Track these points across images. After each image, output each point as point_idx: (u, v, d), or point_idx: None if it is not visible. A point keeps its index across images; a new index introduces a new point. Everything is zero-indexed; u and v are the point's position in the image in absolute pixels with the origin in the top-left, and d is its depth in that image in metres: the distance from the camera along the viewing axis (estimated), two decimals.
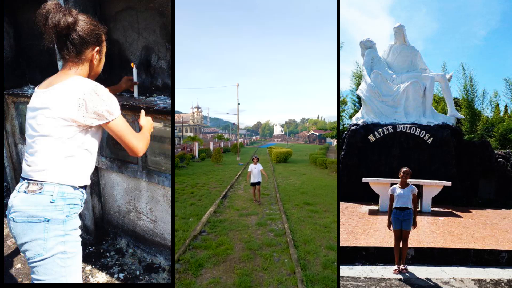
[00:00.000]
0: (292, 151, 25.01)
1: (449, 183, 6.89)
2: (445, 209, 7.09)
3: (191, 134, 53.68)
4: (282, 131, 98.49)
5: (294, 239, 4.99)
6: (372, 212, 6.52)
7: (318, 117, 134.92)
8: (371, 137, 8.41)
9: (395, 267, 3.80)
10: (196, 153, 24.20)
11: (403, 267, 3.80)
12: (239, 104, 29.22)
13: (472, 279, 3.62)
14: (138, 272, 3.66)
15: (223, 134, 60.56)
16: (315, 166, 18.56)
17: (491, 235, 4.91)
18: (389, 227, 3.88)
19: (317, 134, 74.20)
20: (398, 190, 3.86)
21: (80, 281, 1.96)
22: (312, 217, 6.44)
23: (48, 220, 1.78)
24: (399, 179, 3.93)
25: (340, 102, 15.62)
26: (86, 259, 3.82)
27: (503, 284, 3.53)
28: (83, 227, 4.19)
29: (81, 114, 1.81)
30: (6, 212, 1.86)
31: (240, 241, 4.85)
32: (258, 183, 7.96)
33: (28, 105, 1.93)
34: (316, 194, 9.21)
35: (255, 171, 7.87)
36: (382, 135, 8.37)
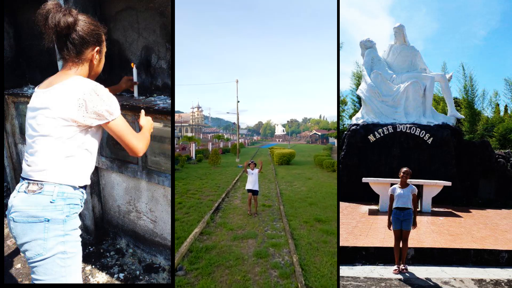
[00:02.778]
0: (295, 152, 22.99)
1: (449, 183, 6.89)
2: (445, 209, 7.09)
3: (192, 134, 53.65)
4: (283, 131, 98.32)
5: (308, 284, 3.58)
6: (372, 212, 6.52)
7: (320, 116, 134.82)
8: (371, 137, 8.41)
9: (395, 267, 3.80)
10: (193, 154, 22.72)
11: (403, 267, 3.80)
12: (238, 101, 27.34)
13: (472, 279, 3.62)
14: (138, 272, 3.66)
15: (224, 134, 60.46)
16: (321, 168, 17.03)
17: (491, 235, 4.91)
18: (389, 227, 3.88)
19: (319, 134, 74.14)
20: (398, 190, 3.86)
21: (80, 281, 1.96)
22: (328, 243, 4.93)
23: (48, 220, 1.78)
24: (399, 179, 3.93)
25: (340, 102, 15.62)
26: (86, 259, 3.82)
27: (503, 284, 3.53)
28: (83, 227, 4.19)
29: (81, 114, 1.81)
30: (6, 212, 1.86)
31: None
32: (256, 192, 6.95)
33: (28, 105, 1.93)
34: (327, 206, 7.67)
35: (252, 177, 6.95)
36: (382, 135, 8.37)
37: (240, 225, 5.95)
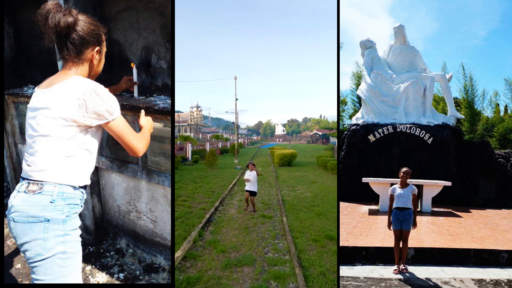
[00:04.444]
0: (296, 152, 21.73)
1: (449, 183, 6.89)
2: (445, 209, 7.09)
3: (191, 134, 53.58)
4: (284, 131, 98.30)
5: None
6: (372, 212, 6.52)
7: (321, 116, 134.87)
8: (371, 137, 8.41)
9: (395, 267, 3.81)
10: (189, 154, 21.40)
11: (403, 267, 3.80)
12: (237, 99, 25.85)
13: (472, 279, 3.62)
14: (138, 272, 3.67)
15: (223, 134, 60.34)
16: (324, 170, 15.86)
17: (491, 235, 4.91)
18: (389, 227, 3.88)
19: (320, 133, 74.15)
20: (398, 190, 3.87)
21: (80, 281, 1.96)
22: None
23: (48, 220, 1.78)
24: (399, 179, 3.93)
25: (340, 102, 15.62)
26: (86, 259, 3.82)
27: (503, 284, 3.53)
28: (83, 227, 4.19)
29: (81, 114, 1.81)
30: (6, 212, 1.86)
31: None
32: (253, 193, 6.92)
33: (28, 105, 1.93)
34: None
35: (251, 178, 6.93)
36: (382, 135, 8.38)
37: (234, 244, 4.83)
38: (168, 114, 3.16)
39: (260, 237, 5.29)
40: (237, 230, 5.65)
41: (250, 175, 6.97)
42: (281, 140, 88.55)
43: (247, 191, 6.99)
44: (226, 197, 8.76)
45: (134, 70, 3.16)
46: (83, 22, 1.90)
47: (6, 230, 4.10)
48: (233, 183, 11.12)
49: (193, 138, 28.26)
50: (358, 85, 12.21)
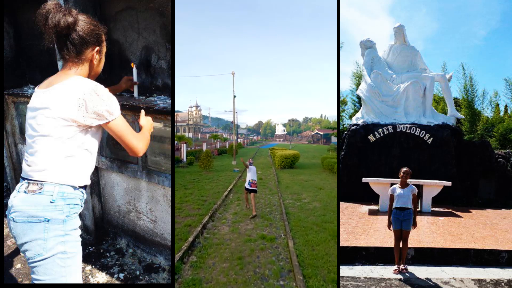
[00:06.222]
0: (299, 154, 20.36)
1: (449, 183, 6.89)
2: (445, 209, 7.09)
3: (190, 134, 53.47)
4: (284, 131, 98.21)
5: None
6: (372, 212, 6.52)
7: (322, 116, 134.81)
8: (371, 137, 8.41)
9: (395, 267, 3.81)
10: (184, 156, 19.99)
11: (403, 267, 3.80)
12: (235, 96, 24.71)
13: (472, 279, 3.62)
14: (138, 272, 3.66)
15: (222, 134, 60.14)
16: (331, 173, 14.75)
17: (491, 235, 4.91)
18: (389, 227, 3.88)
19: (321, 133, 74.08)
20: (398, 190, 3.87)
21: (80, 281, 1.96)
22: None
23: (48, 220, 1.78)
24: (399, 179, 3.93)
25: (340, 102, 15.61)
26: (86, 259, 3.82)
27: (503, 284, 3.53)
28: (83, 227, 4.19)
29: (81, 114, 1.81)
30: (6, 212, 1.86)
31: None
32: (253, 191, 6.89)
33: (28, 105, 1.93)
34: None
35: (249, 174, 6.93)
36: (382, 135, 8.37)
37: (222, 287, 3.56)
38: (168, 114, 3.17)
39: (258, 275, 3.92)
40: (228, 261, 4.29)
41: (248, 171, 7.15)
42: (281, 140, 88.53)
43: (246, 189, 7.12)
44: (219, 208, 7.36)
45: (134, 70, 3.16)
46: (83, 22, 1.90)
47: (6, 230, 4.10)
48: (229, 189, 9.83)
49: (188, 138, 26.73)
50: (358, 85, 12.20)
